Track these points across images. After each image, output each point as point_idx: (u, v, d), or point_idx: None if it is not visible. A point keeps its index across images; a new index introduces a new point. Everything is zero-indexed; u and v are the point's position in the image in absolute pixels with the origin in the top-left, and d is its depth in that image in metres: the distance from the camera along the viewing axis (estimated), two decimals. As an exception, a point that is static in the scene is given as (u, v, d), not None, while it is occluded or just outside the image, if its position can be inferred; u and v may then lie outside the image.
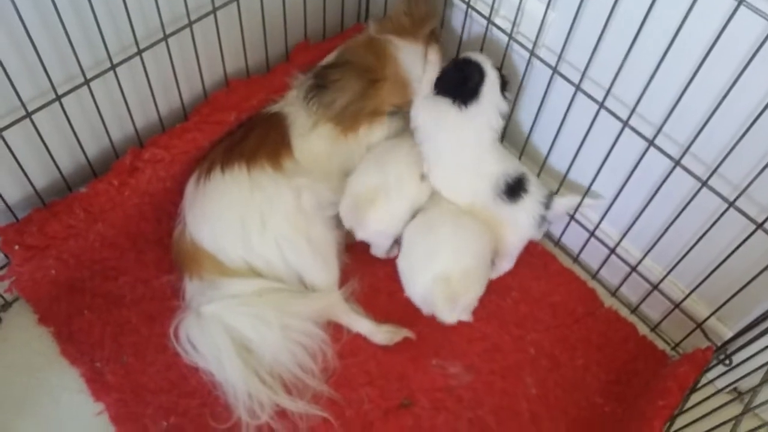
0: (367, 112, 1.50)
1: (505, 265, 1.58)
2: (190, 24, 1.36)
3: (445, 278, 1.40)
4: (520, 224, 1.48)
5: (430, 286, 1.41)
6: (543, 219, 1.47)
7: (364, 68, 1.46)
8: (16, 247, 1.35)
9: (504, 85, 1.44)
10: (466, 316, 1.48)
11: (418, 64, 1.49)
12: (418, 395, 1.43)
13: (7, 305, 1.49)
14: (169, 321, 1.40)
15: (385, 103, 1.50)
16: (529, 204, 1.45)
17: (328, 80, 1.44)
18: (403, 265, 1.48)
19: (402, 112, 1.52)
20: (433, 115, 1.45)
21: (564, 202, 1.51)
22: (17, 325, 1.47)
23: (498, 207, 1.46)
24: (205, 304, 1.38)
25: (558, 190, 1.58)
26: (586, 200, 1.50)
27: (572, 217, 1.58)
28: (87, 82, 1.28)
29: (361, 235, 1.51)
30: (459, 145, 1.45)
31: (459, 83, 1.43)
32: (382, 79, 1.48)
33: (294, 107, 1.52)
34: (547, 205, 1.46)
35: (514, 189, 1.44)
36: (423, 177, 1.49)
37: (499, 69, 1.44)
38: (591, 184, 1.48)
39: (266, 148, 1.48)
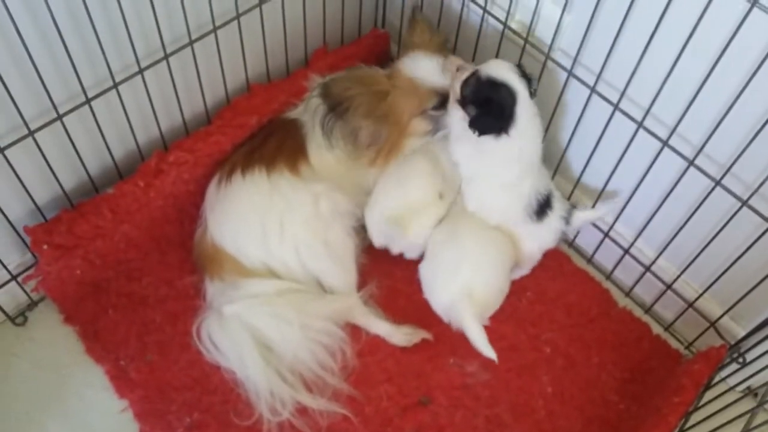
0: (394, 136, 1.49)
1: (522, 271, 1.60)
2: (215, 29, 1.39)
3: (468, 292, 1.40)
4: (541, 239, 1.50)
5: (455, 298, 1.41)
6: (563, 233, 1.50)
7: (369, 81, 1.45)
8: (45, 246, 1.38)
9: (529, 81, 1.35)
10: (484, 322, 1.49)
11: (424, 61, 1.47)
12: (436, 393, 1.45)
13: (34, 305, 1.52)
14: (192, 320, 1.43)
15: (406, 111, 1.47)
16: (553, 220, 1.47)
17: (334, 92, 1.42)
18: (426, 273, 1.49)
19: (436, 124, 1.50)
20: (473, 145, 1.41)
21: (582, 216, 1.50)
22: (43, 324, 1.50)
23: (525, 224, 1.47)
24: (227, 304, 1.41)
25: (573, 191, 1.60)
26: (602, 210, 1.52)
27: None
28: (115, 85, 1.32)
29: (396, 251, 1.54)
30: (506, 163, 1.41)
31: (494, 116, 1.34)
32: (389, 87, 1.46)
33: (310, 115, 1.53)
34: (568, 221, 1.48)
35: (543, 207, 1.45)
36: (441, 195, 1.51)
37: (519, 66, 1.36)
38: (605, 185, 1.50)
39: (285, 153, 1.50)
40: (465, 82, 1.37)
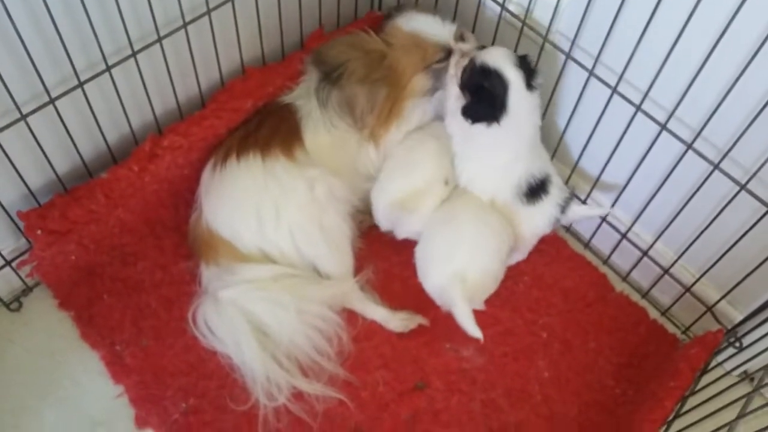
0: (394, 100, 1.47)
1: (518, 256, 1.60)
2: (209, 11, 1.37)
3: (462, 277, 1.40)
4: (535, 223, 1.49)
5: (448, 282, 1.41)
6: (557, 220, 1.50)
7: (363, 44, 1.42)
8: (39, 231, 1.37)
9: (530, 73, 1.34)
10: (478, 306, 1.50)
11: (421, 17, 1.45)
12: (432, 377, 1.45)
13: (28, 290, 1.51)
14: (187, 305, 1.43)
15: (406, 72, 1.44)
16: (547, 206, 1.46)
17: (327, 59, 1.41)
18: (421, 257, 1.49)
19: (436, 83, 1.48)
20: (464, 129, 1.42)
21: (579, 211, 1.50)
22: (38, 310, 1.50)
23: (516, 206, 1.47)
24: (222, 289, 1.40)
25: (570, 175, 1.60)
26: (599, 209, 1.53)
27: (584, 203, 1.60)
28: (108, 68, 1.30)
29: (402, 235, 1.54)
30: (497, 147, 1.42)
31: (485, 104, 1.35)
32: (386, 48, 1.43)
33: (304, 100, 1.53)
34: (564, 209, 1.47)
35: (536, 191, 1.45)
36: (447, 181, 1.51)
37: (523, 57, 1.35)
38: (603, 168, 1.50)
39: (279, 137, 1.49)
40: (464, 68, 1.37)
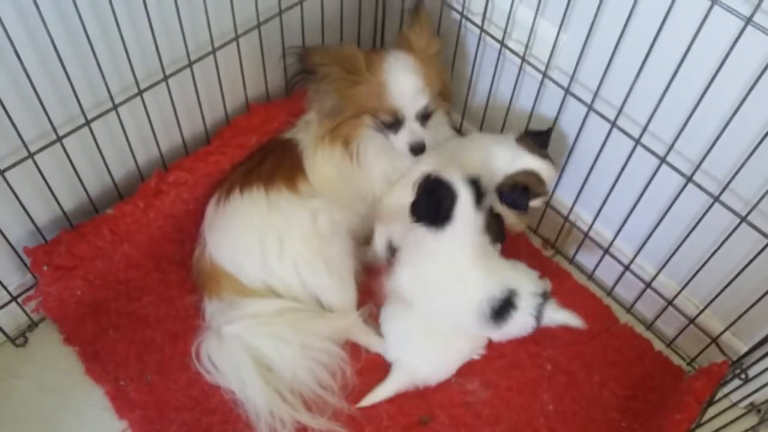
0: (348, 117, 1.47)
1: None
2: (214, 51, 1.40)
3: (408, 367, 1.45)
4: (508, 333, 1.47)
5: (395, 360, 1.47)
6: (533, 327, 1.45)
7: (350, 58, 1.43)
8: (45, 267, 1.38)
9: (480, 197, 1.36)
10: (477, 356, 1.51)
11: (402, 77, 1.43)
12: (437, 411, 1.44)
13: (34, 325, 1.52)
14: (192, 340, 1.43)
15: (363, 107, 1.46)
16: (520, 318, 1.42)
17: (312, 65, 1.43)
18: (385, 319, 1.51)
19: (383, 130, 1.49)
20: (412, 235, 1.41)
21: (555, 318, 1.44)
22: (43, 345, 1.50)
23: (484, 328, 1.45)
24: (225, 324, 1.41)
25: (572, 208, 1.61)
26: (574, 320, 1.45)
27: (586, 235, 1.60)
28: (115, 107, 1.32)
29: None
30: (429, 259, 1.40)
31: (432, 208, 1.34)
32: (362, 80, 1.43)
33: (305, 133, 1.55)
34: (538, 318, 1.42)
35: (502, 310, 1.40)
36: None
37: (475, 181, 1.35)
38: (604, 201, 1.50)
39: (282, 171, 1.51)
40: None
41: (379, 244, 1.55)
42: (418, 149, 1.47)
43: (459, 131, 1.78)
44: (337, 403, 1.40)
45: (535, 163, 1.46)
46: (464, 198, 1.33)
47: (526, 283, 1.43)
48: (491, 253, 1.47)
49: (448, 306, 1.42)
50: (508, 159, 1.47)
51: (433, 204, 1.33)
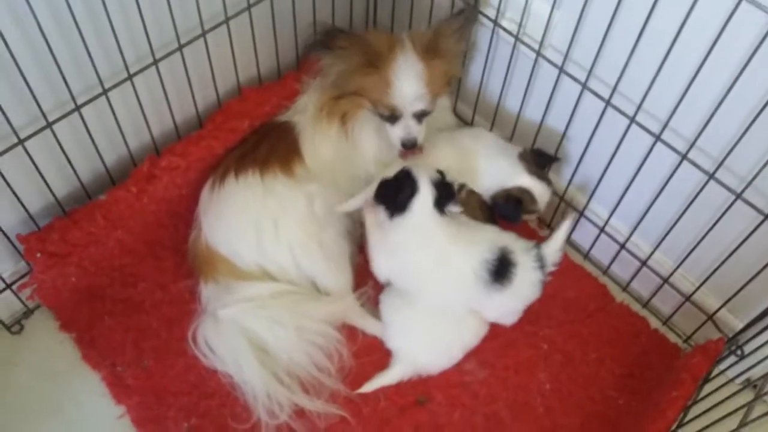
0: (349, 95, 1.47)
1: (510, 319, 1.53)
2: (204, 34, 1.39)
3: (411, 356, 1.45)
4: (523, 295, 1.44)
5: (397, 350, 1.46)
6: (544, 279, 1.42)
7: (371, 50, 1.42)
8: (39, 254, 1.38)
9: (443, 199, 1.36)
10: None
11: (407, 81, 1.41)
12: (434, 392, 1.45)
13: (29, 312, 1.52)
14: (188, 325, 1.43)
15: (367, 94, 1.46)
16: (525, 273, 1.39)
17: (334, 44, 1.41)
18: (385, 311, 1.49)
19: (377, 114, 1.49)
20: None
21: (553, 246, 1.42)
22: (39, 332, 1.50)
23: (490, 293, 1.39)
24: (222, 307, 1.41)
25: (567, 188, 1.60)
26: (564, 226, 1.42)
27: (581, 214, 1.60)
28: (105, 92, 1.31)
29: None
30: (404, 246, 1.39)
31: (391, 195, 1.36)
32: (373, 72, 1.42)
33: (302, 116, 1.55)
34: (542, 264, 1.40)
35: (501, 269, 1.37)
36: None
37: (446, 184, 1.37)
38: (599, 180, 1.50)
39: (278, 155, 1.51)
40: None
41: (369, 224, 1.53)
42: (409, 144, 1.48)
43: (455, 113, 1.77)
44: (334, 385, 1.40)
45: (532, 184, 1.51)
46: (423, 196, 1.34)
47: (514, 239, 1.41)
48: (466, 224, 1.44)
49: (442, 287, 1.41)
50: (507, 173, 1.52)
51: (393, 191, 1.36)
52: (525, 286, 1.40)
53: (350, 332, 1.49)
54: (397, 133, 1.48)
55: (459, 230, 1.38)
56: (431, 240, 1.37)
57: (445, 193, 1.37)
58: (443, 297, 1.42)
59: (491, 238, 1.40)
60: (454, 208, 1.38)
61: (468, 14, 1.48)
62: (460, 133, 1.63)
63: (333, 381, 1.41)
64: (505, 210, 1.53)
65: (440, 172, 1.38)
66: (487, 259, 1.36)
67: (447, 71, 1.48)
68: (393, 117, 1.46)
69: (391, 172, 1.38)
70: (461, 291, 1.40)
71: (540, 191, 1.52)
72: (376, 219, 1.41)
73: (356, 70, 1.43)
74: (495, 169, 1.53)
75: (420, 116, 1.47)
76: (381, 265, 1.44)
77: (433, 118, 1.53)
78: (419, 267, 1.39)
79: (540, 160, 1.53)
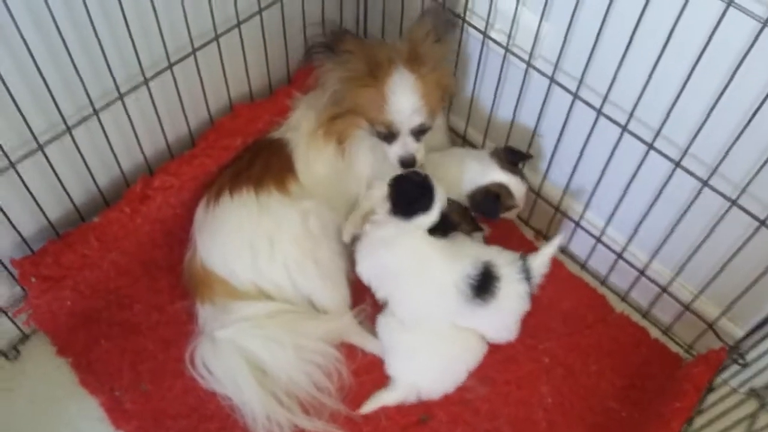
0: (345, 114, 1.47)
1: (505, 335, 1.50)
2: (194, 51, 1.39)
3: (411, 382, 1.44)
4: (509, 308, 1.42)
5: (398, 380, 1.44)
6: (532, 291, 1.41)
7: (374, 59, 1.42)
8: (33, 279, 1.37)
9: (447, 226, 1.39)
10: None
11: (402, 95, 1.40)
12: (435, 410, 1.43)
13: (25, 338, 1.51)
14: (185, 346, 1.42)
15: (363, 111, 1.44)
16: (510, 287, 1.38)
17: (340, 47, 1.41)
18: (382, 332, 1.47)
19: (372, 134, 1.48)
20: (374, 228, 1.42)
21: (541, 260, 1.41)
22: (36, 358, 1.49)
23: (474, 309, 1.38)
24: (219, 329, 1.40)
25: (562, 198, 1.60)
26: (555, 241, 1.41)
27: (577, 224, 1.59)
28: (96, 112, 1.31)
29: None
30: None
31: (409, 197, 1.37)
32: (371, 84, 1.42)
33: (294, 132, 1.54)
34: (528, 276, 1.39)
35: (484, 284, 1.36)
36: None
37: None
38: (594, 190, 1.50)
39: (272, 172, 1.50)
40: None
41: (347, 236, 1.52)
42: (407, 163, 1.47)
43: (453, 130, 1.77)
44: (334, 405, 1.39)
45: (504, 178, 1.49)
46: (432, 215, 1.37)
47: (499, 253, 1.41)
48: (452, 241, 1.43)
49: (422, 298, 1.40)
50: (479, 171, 1.52)
51: (412, 195, 1.37)
52: (511, 299, 1.39)
53: (349, 350, 1.47)
54: (395, 151, 1.47)
55: (445, 244, 1.39)
56: (418, 250, 1.37)
57: (450, 221, 1.39)
58: (423, 308, 1.41)
59: (475, 254, 1.40)
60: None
61: (434, 11, 1.46)
62: (433, 154, 1.58)
63: (333, 401, 1.39)
64: (485, 205, 1.51)
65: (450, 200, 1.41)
66: (470, 274, 1.36)
67: (439, 81, 1.46)
68: (390, 135, 1.45)
69: (396, 180, 1.39)
70: (442, 304, 1.39)
71: (515, 185, 1.50)
72: (373, 227, 1.40)
73: (356, 79, 1.42)
74: (469, 171, 1.52)
75: (418, 133, 1.46)
76: (364, 263, 1.43)
77: (426, 137, 1.52)
78: (400, 271, 1.39)
79: (512, 157, 1.52)
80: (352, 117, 1.47)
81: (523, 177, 1.52)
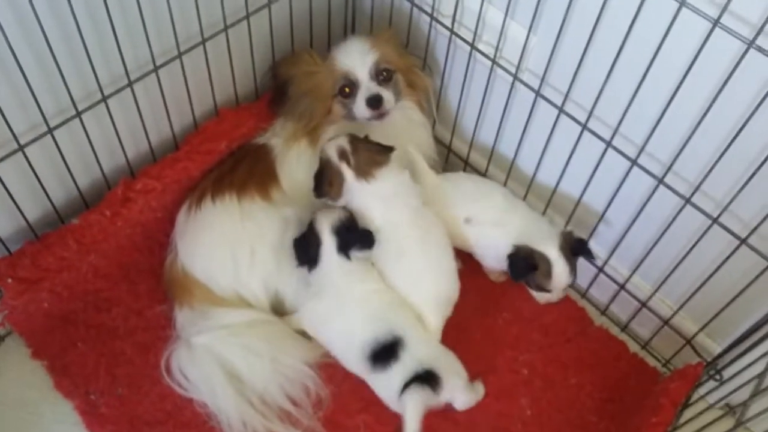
0: (321, 115, 1.52)
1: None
2: (180, 55, 1.38)
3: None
4: (386, 388, 1.36)
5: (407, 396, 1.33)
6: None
7: (302, 62, 1.52)
8: (9, 280, 1.35)
9: (346, 244, 1.38)
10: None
11: (349, 45, 1.52)
12: (414, 420, 1.43)
13: (0, 340, 1.48)
14: (162, 351, 1.40)
15: (325, 91, 1.50)
16: (395, 376, 1.31)
17: (280, 73, 1.53)
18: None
19: (351, 110, 1.52)
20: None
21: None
22: (10, 360, 1.47)
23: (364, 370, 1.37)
24: (196, 334, 1.39)
25: (545, 211, 1.60)
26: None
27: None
28: (78, 114, 1.29)
29: None
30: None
31: (302, 251, 1.40)
32: (318, 69, 1.51)
33: (279, 139, 1.54)
34: (407, 385, 1.30)
35: (383, 355, 1.33)
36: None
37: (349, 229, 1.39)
38: (576, 204, 1.50)
39: (255, 178, 1.50)
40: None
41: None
42: (374, 102, 1.48)
43: (441, 142, 1.76)
44: (308, 422, 1.36)
45: (554, 256, 1.41)
46: (327, 246, 1.38)
47: (418, 341, 1.35)
48: (390, 293, 1.41)
49: (341, 342, 1.40)
50: (539, 234, 1.45)
51: (302, 248, 1.40)
52: (389, 380, 1.33)
53: (329, 358, 1.45)
54: (360, 100, 1.49)
55: (372, 296, 1.39)
56: (339, 289, 1.38)
57: (349, 238, 1.38)
58: (341, 354, 1.41)
59: (393, 321, 1.36)
60: (359, 253, 1.39)
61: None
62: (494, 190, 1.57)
63: (307, 416, 1.37)
64: (515, 262, 1.43)
65: (345, 218, 1.39)
66: (376, 339, 1.33)
67: (396, 48, 1.55)
68: (353, 85, 1.49)
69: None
70: (349, 351, 1.38)
71: (560, 269, 1.42)
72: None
73: (306, 80, 1.50)
74: (530, 227, 1.47)
75: (380, 77, 1.50)
76: (306, 316, 1.44)
77: (409, 134, 1.54)
78: (329, 316, 1.39)
79: (577, 247, 1.44)
80: (328, 115, 1.52)
81: (573, 271, 1.44)
